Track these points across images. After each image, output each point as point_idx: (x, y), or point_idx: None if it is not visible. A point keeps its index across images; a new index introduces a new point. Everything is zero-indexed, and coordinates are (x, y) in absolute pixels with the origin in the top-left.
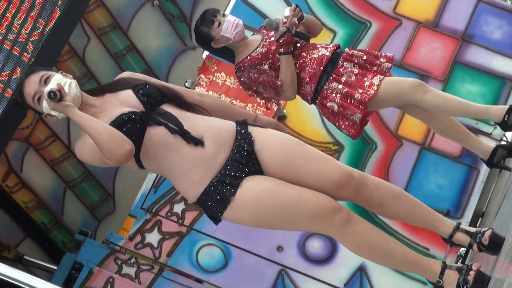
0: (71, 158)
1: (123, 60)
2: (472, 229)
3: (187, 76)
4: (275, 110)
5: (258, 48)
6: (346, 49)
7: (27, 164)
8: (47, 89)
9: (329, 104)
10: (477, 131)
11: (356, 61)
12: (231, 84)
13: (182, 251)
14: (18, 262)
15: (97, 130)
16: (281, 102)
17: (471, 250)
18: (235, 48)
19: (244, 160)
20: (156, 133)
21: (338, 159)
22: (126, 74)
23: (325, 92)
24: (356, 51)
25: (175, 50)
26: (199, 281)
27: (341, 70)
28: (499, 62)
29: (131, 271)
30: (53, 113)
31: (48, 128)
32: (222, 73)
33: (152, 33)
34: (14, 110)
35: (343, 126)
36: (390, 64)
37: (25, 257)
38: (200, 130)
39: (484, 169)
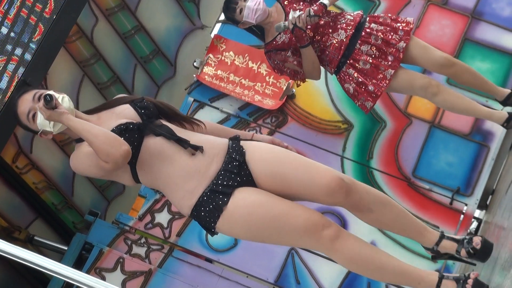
0: None
1: (132, 40)
2: (458, 237)
3: (196, 55)
4: (284, 89)
5: (282, 34)
6: (367, 20)
7: (37, 145)
8: (41, 105)
9: (346, 85)
10: None
11: (373, 42)
12: (239, 63)
13: (192, 230)
14: (29, 243)
15: (93, 133)
16: (289, 81)
17: (473, 238)
18: (263, 26)
19: (236, 170)
20: (154, 143)
21: (347, 138)
22: (121, 95)
23: (342, 75)
24: (376, 26)
25: (183, 30)
26: (209, 260)
27: (357, 56)
28: (509, 39)
29: (141, 251)
30: (48, 128)
31: None
32: (231, 52)
33: (161, 13)
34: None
35: (357, 104)
36: (405, 44)
37: (36, 238)
38: (195, 141)
39: (494, 147)
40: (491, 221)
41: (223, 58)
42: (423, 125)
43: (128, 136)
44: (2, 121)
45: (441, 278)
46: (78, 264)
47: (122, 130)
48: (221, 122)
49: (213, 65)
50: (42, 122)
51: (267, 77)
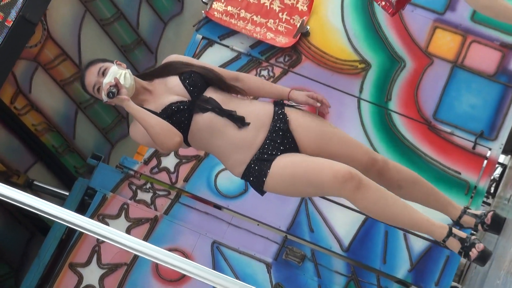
0: None
1: None
2: (478, 212)
3: None
4: (297, 26)
5: None
6: None
7: (36, 84)
8: (106, 83)
9: None
10: None
11: None
12: None
13: (200, 175)
14: (28, 188)
15: (149, 123)
16: (304, 18)
17: (497, 192)
18: None
19: (279, 139)
20: (202, 120)
21: (364, 78)
22: (172, 58)
23: None
24: None
25: None
26: (218, 207)
27: None
28: None
29: (147, 197)
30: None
31: (58, 47)
32: None
33: None
34: (22, 27)
35: (381, 5)
36: None
37: (35, 182)
38: (241, 113)
39: None
40: None
41: None
42: (445, 65)
43: (178, 117)
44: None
45: (449, 234)
46: (80, 211)
47: (173, 112)
48: (231, 61)
49: (223, 0)
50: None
51: (280, 14)
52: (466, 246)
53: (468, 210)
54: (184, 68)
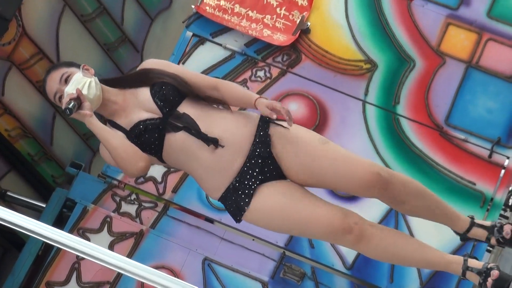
0: None
1: None
2: (488, 223)
3: None
4: (297, 22)
5: None
6: None
7: (10, 86)
8: (67, 93)
9: None
10: None
11: None
12: None
13: (190, 186)
14: (1, 200)
15: (111, 145)
16: (304, 13)
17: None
18: None
19: (258, 168)
20: (175, 140)
21: (371, 78)
22: (147, 64)
23: None
24: None
25: None
26: (210, 220)
27: None
28: None
29: (132, 209)
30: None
31: (34, 45)
32: None
33: None
34: None
35: None
36: None
37: (9, 193)
38: (217, 132)
39: None
40: None
41: None
42: (458, 66)
43: (147, 137)
44: None
45: (464, 270)
46: (58, 224)
47: (141, 131)
48: (225, 60)
49: None
50: None
51: (277, 9)
52: (484, 277)
53: (475, 221)
54: (156, 79)
